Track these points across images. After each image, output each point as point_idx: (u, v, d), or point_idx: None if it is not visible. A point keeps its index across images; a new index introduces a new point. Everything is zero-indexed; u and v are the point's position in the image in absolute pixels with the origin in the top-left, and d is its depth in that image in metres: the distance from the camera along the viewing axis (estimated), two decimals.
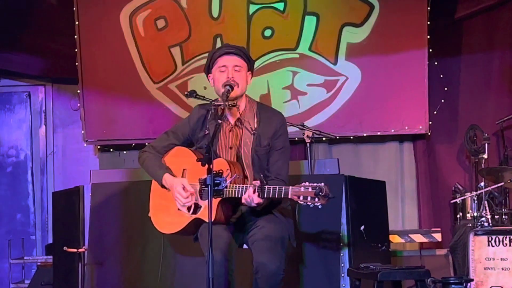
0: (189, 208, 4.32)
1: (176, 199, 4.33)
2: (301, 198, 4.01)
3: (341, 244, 5.36)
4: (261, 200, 4.11)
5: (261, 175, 4.29)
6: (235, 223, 4.38)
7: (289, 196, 4.05)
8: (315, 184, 4.00)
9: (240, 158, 4.33)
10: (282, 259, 4.18)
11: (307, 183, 4.02)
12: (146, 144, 4.64)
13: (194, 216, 4.30)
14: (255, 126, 4.36)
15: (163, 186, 4.42)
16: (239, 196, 4.15)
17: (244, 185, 4.16)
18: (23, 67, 7.92)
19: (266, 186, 4.10)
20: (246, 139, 4.34)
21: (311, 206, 4.00)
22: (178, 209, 4.36)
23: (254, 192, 4.09)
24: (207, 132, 4.17)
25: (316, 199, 3.97)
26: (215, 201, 4.15)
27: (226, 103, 4.22)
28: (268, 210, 4.32)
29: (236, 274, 4.28)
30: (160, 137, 4.57)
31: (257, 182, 4.12)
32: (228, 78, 4.31)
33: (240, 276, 4.24)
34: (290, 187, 4.05)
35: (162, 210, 4.45)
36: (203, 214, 4.26)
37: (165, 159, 4.48)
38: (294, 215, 4.49)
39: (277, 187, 4.09)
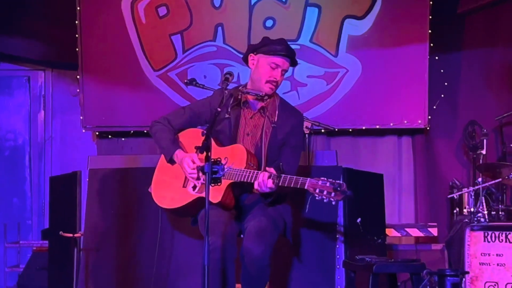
0: (194, 187, 4.32)
1: (184, 171, 4.32)
2: (317, 191, 3.98)
3: (337, 236, 5.36)
4: (273, 185, 4.09)
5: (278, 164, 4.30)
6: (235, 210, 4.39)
7: (305, 187, 4.02)
8: (333, 180, 3.97)
9: (257, 146, 4.35)
10: (268, 245, 4.17)
11: (325, 178, 3.99)
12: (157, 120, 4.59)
13: (198, 194, 4.29)
14: (275, 119, 4.41)
15: (170, 161, 4.41)
16: (251, 181, 4.14)
17: (257, 171, 4.16)
18: (23, 51, 7.88)
19: (283, 175, 4.09)
20: (266, 129, 4.38)
21: (325, 200, 3.97)
22: (183, 186, 4.36)
23: (268, 178, 4.08)
24: (227, 115, 4.19)
25: (333, 194, 3.94)
26: (225, 182, 4.16)
27: (260, 94, 4.33)
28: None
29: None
30: (176, 111, 4.57)
31: (272, 170, 4.13)
32: (275, 78, 4.37)
33: (237, 264, 4.24)
34: (308, 178, 4.02)
35: (165, 185, 4.45)
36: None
37: (179, 139, 4.48)
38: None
39: (294, 177, 4.07)
